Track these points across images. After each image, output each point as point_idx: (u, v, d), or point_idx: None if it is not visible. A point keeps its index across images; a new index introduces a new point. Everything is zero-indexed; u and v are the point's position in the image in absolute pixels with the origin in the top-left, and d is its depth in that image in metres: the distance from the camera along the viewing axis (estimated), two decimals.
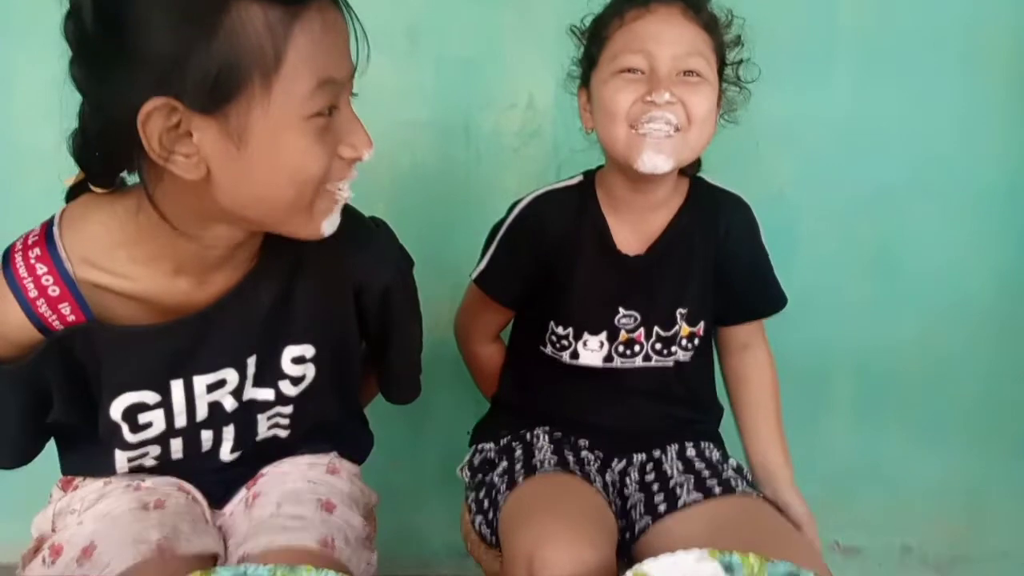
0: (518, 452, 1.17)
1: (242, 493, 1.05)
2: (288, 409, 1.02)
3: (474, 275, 1.25)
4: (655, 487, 1.15)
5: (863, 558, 1.90)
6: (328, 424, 1.09)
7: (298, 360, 0.99)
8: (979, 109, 1.68)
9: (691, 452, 1.21)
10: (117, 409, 0.90)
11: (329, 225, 0.86)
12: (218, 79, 0.72)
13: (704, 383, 1.29)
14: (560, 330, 1.19)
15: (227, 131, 0.74)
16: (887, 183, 1.71)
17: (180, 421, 0.94)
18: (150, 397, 0.91)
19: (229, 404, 0.97)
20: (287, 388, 1.00)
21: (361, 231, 1.00)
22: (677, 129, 1.05)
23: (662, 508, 1.11)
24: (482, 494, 1.16)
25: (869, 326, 1.78)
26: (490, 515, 1.13)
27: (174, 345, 0.90)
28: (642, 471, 1.20)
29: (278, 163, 0.77)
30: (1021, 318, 1.77)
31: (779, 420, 1.26)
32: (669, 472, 1.17)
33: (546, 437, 1.20)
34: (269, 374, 0.98)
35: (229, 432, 0.99)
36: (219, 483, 1.04)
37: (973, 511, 1.88)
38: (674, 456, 1.20)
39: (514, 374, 1.31)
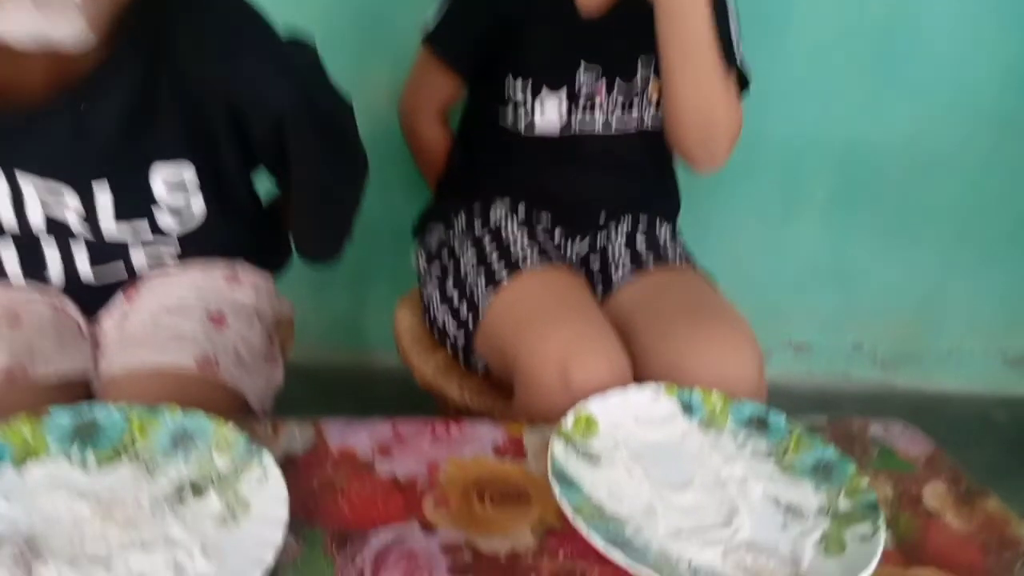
0: (488, 241, 1.08)
1: (119, 301, 0.89)
2: (172, 249, 0.86)
3: (425, 35, 1.15)
4: (595, 270, 1.14)
5: (813, 354, 1.91)
6: (229, 241, 0.92)
7: (176, 186, 0.80)
8: None
9: (642, 227, 1.16)
10: None
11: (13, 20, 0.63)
12: None
13: (666, 164, 1.21)
14: (518, 85, 1.08)
15: None
16: None
17: (6, 216, 0.76)
18: None
19: (77, 226, 0.79)
20: (165, 220, 0.82)
21: (246, 35, 0.77)
22: None
23: (599, 293, 1.09)
24: (449, 286, 1.07)
25: (858, 119, 1.63)
26: (463, 310, 1.03)
27: None
28: (592, 253, 1.17)
29: None
30: (1021, 117, 1.65)
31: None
32: (611, 253, 1.14)
33: (513, 220, 1.11)
34: (137, 204, 0.80)
35: (82, 253, 0.82)
36: (92, 291, 0.87)
37: (925, 311, 1.87)
38: (624, 233, 1.16)
39: (463, 154, 1.22)
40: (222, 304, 0.89)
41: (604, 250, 1.14)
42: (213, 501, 0.58)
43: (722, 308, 0.99)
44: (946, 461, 0.74)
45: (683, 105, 1.03)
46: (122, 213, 0.79)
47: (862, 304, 1.84)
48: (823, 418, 0.78)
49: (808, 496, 0.66)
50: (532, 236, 1.08)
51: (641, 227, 1.16)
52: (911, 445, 0.76)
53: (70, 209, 0.78)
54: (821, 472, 0.68)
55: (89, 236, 0.80)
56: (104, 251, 0.83)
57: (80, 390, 0.82)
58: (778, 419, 0.74)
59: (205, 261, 0.92)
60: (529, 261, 1.01)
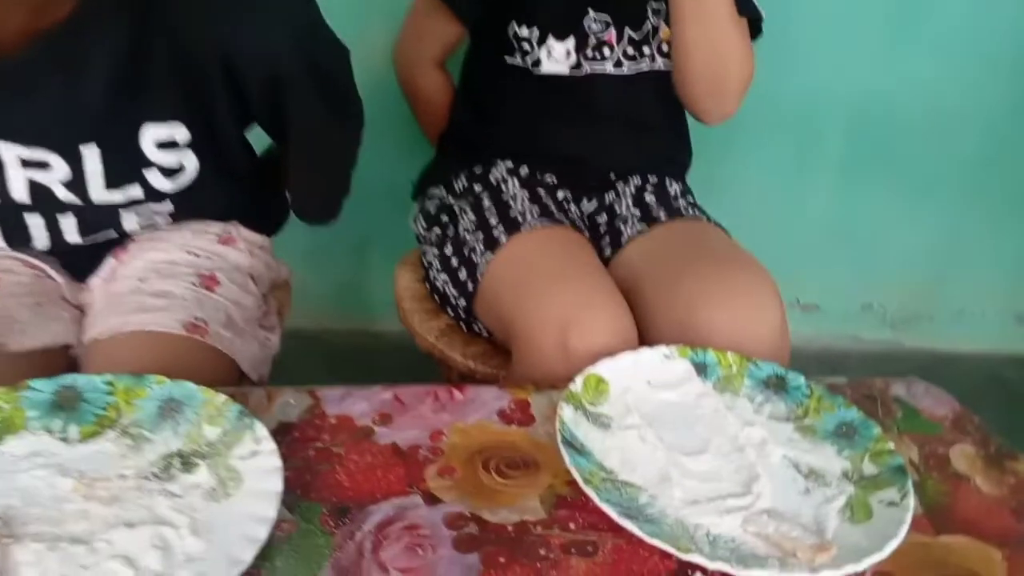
0: (487, 202, 1.02)
1: (109, 263, 0.85)
2: (165, 207, 0.81)
3: None
4: (602, 229, 1.08)
5: (821, 315, 1.87)
6: (223, 201, 0.88)
7: (167, 145, 0.76)
8: None
9: (651, 184, 1.10)
10: None
11: None
12: None
13: (678, 114, 1.14)
14: (523, 33, 1.03)
15: None
16: None
17: None
18: None
19: (64, 195, 0.75)
20: (158, 181, 0.78)
21: None
22: None
23: (608, 252, 1.04)
24: (448, 250, 1.02)
25: (875, 70, 1.57)
26: (462, 274, 0.98)
27: None
28: (598, 213, 1.11)
29: None
30: None
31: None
32: (618, 210, 1.08)
33: (514, 180, 1.06)
34: (128, 168, 0.76)
35: (69, 223, 0.78)
36: (80, 255, 0.84)
37: (936, 270, 1.82)
38: (631, 192, 1.10)
39: (467, 98, 1.17)
40: (214, 266, 0.85)
41: (612, 208, 1.09)
42: (203, 475, 0.55)
43: (740, 256, 0.93)
44: (973, 421, 0.71)
45: (694, 54, 0.98)
46: (112, 180, 0.76)
47: (871, 264, 1.80)
48: (841, 379, 0.75)
49: (831, 460, 0.63)
50: (534, 196, 1.03)
51: (650, 185, 1.10)
52: (936, 405, 0.72)
53: (57, 178, 0.74)
54: (844, 435, 0.65)
55: (77, 203, 0.77)
56: (93, 217, 0.80)
57: (60, 359, 0.78)
58: (797, 380, 0.70)
59: (198, 222, 0.88)
60: (528, 221, 0.97)
